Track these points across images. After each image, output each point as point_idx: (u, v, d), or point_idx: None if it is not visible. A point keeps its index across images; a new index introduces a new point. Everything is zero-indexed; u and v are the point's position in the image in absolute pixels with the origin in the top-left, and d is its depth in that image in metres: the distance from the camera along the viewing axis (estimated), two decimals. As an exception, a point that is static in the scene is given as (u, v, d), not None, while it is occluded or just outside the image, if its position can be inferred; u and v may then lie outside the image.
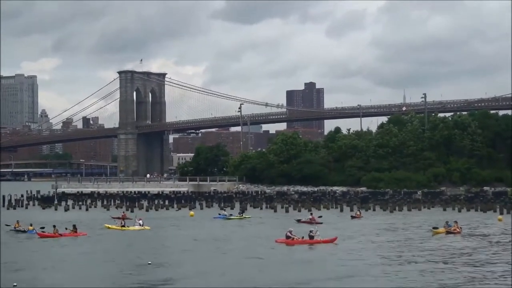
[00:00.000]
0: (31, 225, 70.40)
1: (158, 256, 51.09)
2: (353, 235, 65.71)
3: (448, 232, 65.99)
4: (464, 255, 51.25)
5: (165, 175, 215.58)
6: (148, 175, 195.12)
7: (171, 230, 75.02)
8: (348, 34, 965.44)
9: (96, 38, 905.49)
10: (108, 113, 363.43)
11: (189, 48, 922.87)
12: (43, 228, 67.62)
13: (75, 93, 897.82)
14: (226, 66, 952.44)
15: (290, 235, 58.75)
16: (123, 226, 74.56)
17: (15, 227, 71.09)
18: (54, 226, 66.92)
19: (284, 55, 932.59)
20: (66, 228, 67.26)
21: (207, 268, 44.88)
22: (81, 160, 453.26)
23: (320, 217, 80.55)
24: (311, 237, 58.28)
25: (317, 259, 49.76)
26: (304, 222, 79.51)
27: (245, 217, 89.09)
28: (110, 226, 75.91)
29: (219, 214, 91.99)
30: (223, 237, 65.48)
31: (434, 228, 68.97)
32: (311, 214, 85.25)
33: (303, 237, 58.69)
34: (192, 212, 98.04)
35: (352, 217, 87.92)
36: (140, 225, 74.20)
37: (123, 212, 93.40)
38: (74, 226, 67.71)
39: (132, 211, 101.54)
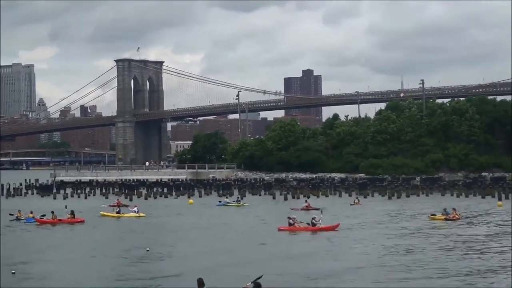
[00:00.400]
0: (31, 212, 70.67)
1: (159, 244, 51.13)
2: (353, 222, 65.50)
3: (446, 219, 65.85)
4: (464, 242, 51.05)
5: (161, 162, 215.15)
6: (146, 163, 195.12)
7: (171, 218, 74.99)
8: (344, 22, 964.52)
9: (93, 27, 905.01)
10: (106, 102, 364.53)
11: (187, 36, 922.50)
12: (43, 215, 67.95)
13: (72, 82, 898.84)
14: (223, 55, 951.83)
15: (292, 222, 58.75)
16: (118, 212, 74.88)
17: (17, 217, 71.02)
18: (53, 212, 67.57)
19: (281, 43, 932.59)
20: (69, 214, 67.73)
21: (210, 256, 44.91)
22: (86, 149, 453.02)
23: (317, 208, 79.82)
24: (314, 224, 58.23)
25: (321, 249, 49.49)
26: (300, 210, 78.97)
27: (243, 205, 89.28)
28: (105, 213, 76.10)
29: (220, 201, 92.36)
30: (224, 224, 65.53)
31: (432, 215, 68.93)
32: (306, 201, 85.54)
33: (308, 224, 58.70)
34: (191, 200, 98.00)
35: (351, 204, 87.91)
36: (135, 212, 74.48)
37: (118, 199, 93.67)
38: (72, 212, 67.98)
39: (131, 200, 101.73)
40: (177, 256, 45.00)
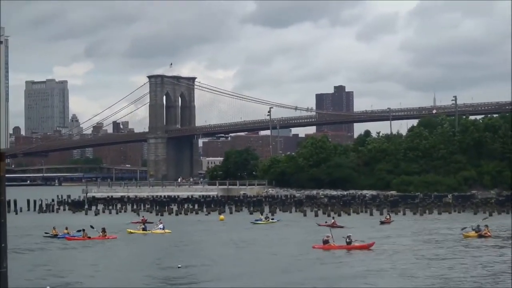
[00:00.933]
0: (66, 228, 70.50)
1: (189, 260, 51.04)
2: (383, 240, 64.99)
3: (480, 236, 65.49)
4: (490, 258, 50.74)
5: (190, 179, 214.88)
6: (179, 179, 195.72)
7: (199, 234, 74.97)
8: (378, 38, 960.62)
9: (128, 42, 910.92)
10: (138, 118, 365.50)
11: (220, 52, 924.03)
12: (79, 231, 67.79)
13: (106, 98, 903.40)
14: (257, 71, 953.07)
15: (326, 239, 58.31)
16: (144, 229, 74.84)
17: (52, 234, 70.73)
18: (84, 230, 67.37)
19: (314, 59, 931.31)
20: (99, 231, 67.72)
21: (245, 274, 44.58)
22: (122, 166, 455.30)
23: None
24: (348, 243, 57.77)
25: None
26: (324, 225, 79.12)
27: (272, 221, 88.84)
28: (131, 230, 76.10)
29: (256, 219, 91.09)
30: (259, 242, 65.32)
31: (463, 228, 68.54)
32: (333, 218, 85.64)
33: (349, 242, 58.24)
34: (222, 216, 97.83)
35: (382, 222, 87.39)
36: (161, 228, 74.52)
37: (143, 216, 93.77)
38: (103, 229, 68.05)
39: (161, 215, 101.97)
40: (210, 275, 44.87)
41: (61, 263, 50.63)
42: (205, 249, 60.19)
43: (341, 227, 77.68)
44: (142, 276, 43.98)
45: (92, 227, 68.47)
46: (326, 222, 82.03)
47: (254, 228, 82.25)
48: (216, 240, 67.74)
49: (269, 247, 61.02)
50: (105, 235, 67.21)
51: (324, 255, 54.40)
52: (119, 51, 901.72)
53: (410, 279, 41.78)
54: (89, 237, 65.93)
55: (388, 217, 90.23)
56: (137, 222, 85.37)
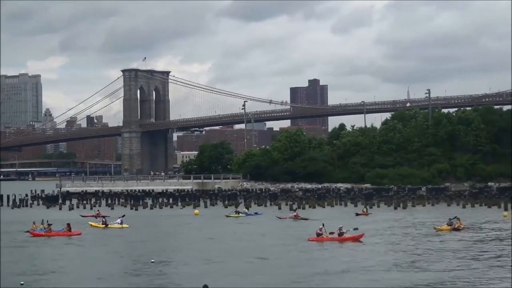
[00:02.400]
0: (33, 223, 69.06)
1: (168, 256, 50.85)
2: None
3: (453, 229, 65.82)
4: (464, 252, 51.12)
5: (162, 173, 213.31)
6: (151, 173, 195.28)
7: (178, 229, 74.87)
8: (354, 32, 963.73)
9: (104, 37, 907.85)
10: (113, 112, 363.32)
11: (196, 46, 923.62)
12: (50, 224, 66.74)
13: (82, 92, 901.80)
14: (233, 64, 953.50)
15: (320, 232, 58.79)
16: (105, 223, 74.83)
17: (32, 229, 69.27)
18: (47, 223, 66.35)
19: (290, 53, 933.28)
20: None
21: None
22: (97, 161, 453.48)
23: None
24: (340, 234, 58.17)
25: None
26: (285, 218, 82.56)
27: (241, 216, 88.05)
28: (93, 223, 75.61)
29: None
30: (248, 236, 65.03)
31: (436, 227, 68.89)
32: (295, 211, 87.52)
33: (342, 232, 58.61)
34: (196, 211, 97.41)
35: (357, 214, 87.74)
36: (119, 223, 74.55)
37: (98, 210, 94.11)
38: (68, 224, 67.00)
39: (136, 210, 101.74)
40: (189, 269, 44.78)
41: (37, 260, 50.19)
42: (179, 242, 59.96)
43: (305, 219, 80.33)
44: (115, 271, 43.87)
45: (43, 221, 67.57)
46: (288, 216, 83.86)
47: (233, 222, 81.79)
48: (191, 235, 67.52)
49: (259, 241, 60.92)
50: (70, 231, 65.86)
51: (320, 247, 55.00)
52: (94, 45, 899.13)
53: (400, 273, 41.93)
54: (51, 232, 64.65)
55: (365, 210, 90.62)
56: (88, 216, 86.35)
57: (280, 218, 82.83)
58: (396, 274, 41.01)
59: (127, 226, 74.08)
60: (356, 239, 57.88)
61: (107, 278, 40.97)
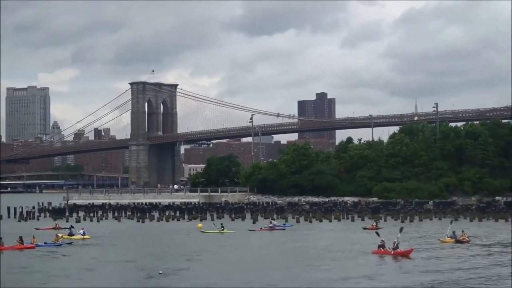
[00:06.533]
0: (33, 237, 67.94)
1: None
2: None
3: (457, 241, 65.93)
4: (466, 265, 51.17)
5: (170, 186, 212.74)
6: (159, 185, 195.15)
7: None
8: (362, 45, 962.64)
9: (114, 49, 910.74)
10: (120, 124, 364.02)
11: (205, 59, 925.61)
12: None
13: (90, 104, 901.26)
14: (241, 77, 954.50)
15: (381, 244, 58.78)
16: (70, 234, 75.25)
17: (54, 241, 68.94)
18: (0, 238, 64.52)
19: (298, 66, 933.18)
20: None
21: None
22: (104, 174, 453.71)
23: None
24: (395, 249, 57.59)
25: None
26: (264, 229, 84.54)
27: (225, 232, 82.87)
28: (60, 235, 73.32)
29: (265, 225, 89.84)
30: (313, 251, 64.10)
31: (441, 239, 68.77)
32: (271, 222, 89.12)
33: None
34: (200, 224, 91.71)
35: (364, 228, 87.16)
36: (81, 234, 75.13)
37: (56, 223, 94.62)
38: (20, 238, 65.24)
39: (143, 222, 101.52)
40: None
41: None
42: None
43: (284, 229, 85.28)
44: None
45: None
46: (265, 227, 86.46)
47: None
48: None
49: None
50: (22, 244, 64.28)
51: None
52: (104, 58, 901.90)
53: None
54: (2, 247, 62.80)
55: (374, 224, 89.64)
56: (42, 229, 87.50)
57: (261, 229, 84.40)
58: None
59: (88, 237, 74.73)
60: (406, 254, 56.50)
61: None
